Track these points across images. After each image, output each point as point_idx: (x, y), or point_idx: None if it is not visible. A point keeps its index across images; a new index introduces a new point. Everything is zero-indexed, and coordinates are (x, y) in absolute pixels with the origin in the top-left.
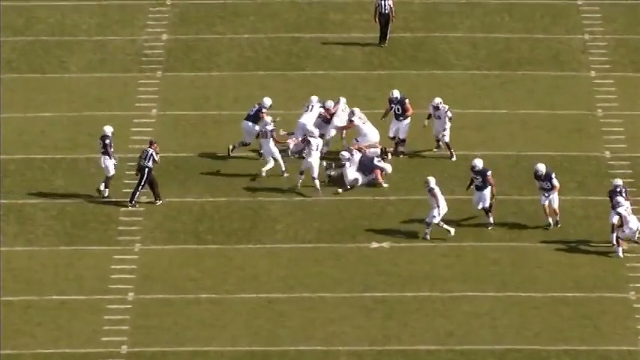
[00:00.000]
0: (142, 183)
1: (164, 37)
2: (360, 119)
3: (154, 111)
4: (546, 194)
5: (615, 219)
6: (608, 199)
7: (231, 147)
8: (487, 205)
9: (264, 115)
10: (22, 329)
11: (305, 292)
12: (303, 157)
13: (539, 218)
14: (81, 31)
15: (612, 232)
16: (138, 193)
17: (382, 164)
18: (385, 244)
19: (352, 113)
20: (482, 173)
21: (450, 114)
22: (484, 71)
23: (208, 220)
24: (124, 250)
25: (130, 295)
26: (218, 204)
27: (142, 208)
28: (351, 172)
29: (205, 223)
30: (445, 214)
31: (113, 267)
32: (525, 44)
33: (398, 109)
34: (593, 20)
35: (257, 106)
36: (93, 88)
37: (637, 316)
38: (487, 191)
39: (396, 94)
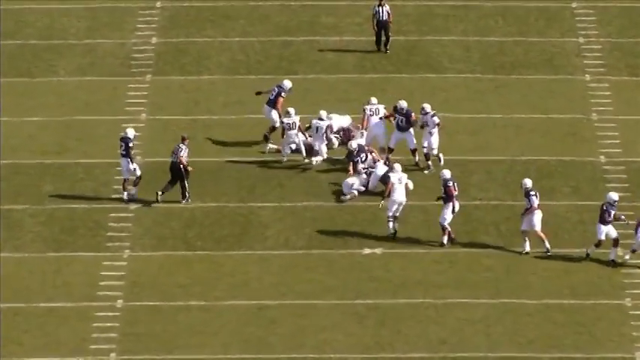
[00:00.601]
0: (186, 178)
1: (154, 40)
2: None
3: (144, 115)
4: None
5: (603, 236)
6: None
7: (266, 135)
8: (445, 222)
9: (281, 100)
10: (9, 337)
11: (296, 298)
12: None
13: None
14: (70, 35)
15: (598, 247)
16: (187, 188)
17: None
18: (377, 251)
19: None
20: (444, 183)
21: (437, 120)
22: (478, 75)
23: (198, 226)
24: (113, 257)
25: (119, 302)
26: (208, 209)
27: (130, 214)
28: (374, 180)
29: (195, 229)
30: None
31: (102, 273)
32: (519, 48)
33: (402, 120)
34: (587, 23)
35: (276, 90)
36: (82, 92)
37: (633, 323)
38: (448, 207)
39: (403, 104)
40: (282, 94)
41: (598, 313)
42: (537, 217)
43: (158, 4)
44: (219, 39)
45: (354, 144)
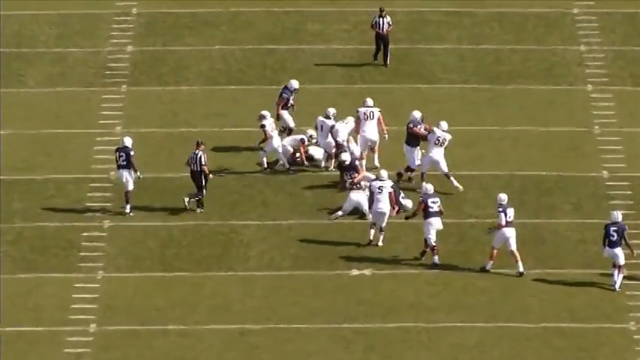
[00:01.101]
0: (204, 186)
1: (129, 48)
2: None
3: (118, 128)
4: (507, 232)
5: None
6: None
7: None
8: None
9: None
10: None
11: (280, 322)
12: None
13: (530, 243)
14: (40, 43)
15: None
16: (203, 197)
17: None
18: (366, 272)
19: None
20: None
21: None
22: (473, 85)
23: (176, 245)
24: (86, 278)
25: (92, 327)
26: (186, 228)
27: (104, 233)
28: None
29: (173, 248)
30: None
31: (74, 296)
32: (517, 56)
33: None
34: (589, 30)
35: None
36: (52, 103)
37: (637, 348)
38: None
39: (417, 115)
40: (284, 94)
41: (600, 338)
42: (509, 234)
43: (134, 11)
44: (198, 47)
45: (344, 156)
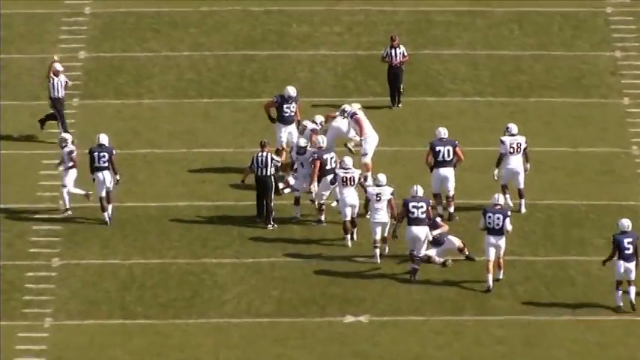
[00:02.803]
0: (272, 195)
1: (82, 55)
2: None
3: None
4: (494, 240)
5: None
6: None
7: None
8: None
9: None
10: None
11: None
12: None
13: (557, 284)
14: None
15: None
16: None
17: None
18: (363, 318)
19: (343, 110)
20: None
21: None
22: (488, 98)
23: (138, 287)
24: (31, 327)
25: None
26: (150, 267)
27: (53, 273)
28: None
29: (134, 291)
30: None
31: (17, 347)
32: (540, 64)
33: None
34: (625, 33)
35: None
36: None
37: None
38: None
39: (443, 133)
40: (275, 99)
41: None
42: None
43: (87, 10)
44: (163, 53)
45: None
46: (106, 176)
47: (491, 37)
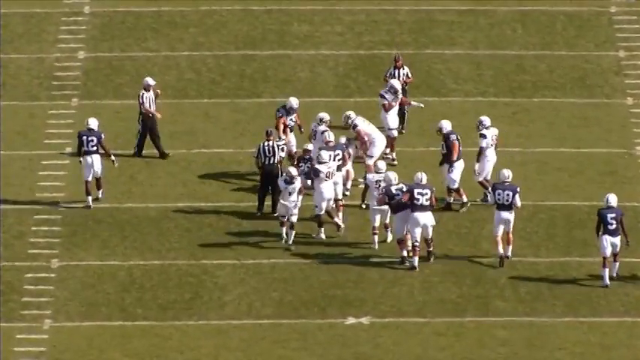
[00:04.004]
0: (277, 185)
1: (81, 54)
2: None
3: (69, 149)
4: (504, 215)
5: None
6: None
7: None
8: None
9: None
10: None
11: None
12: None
13: (560, 285)
14: None
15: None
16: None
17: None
18: (364, 320)
19: (348, 117)
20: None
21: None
22: (491, 98)
23: (138, 289)
24: (30, 328)
25: None
26: (150, 269)
27: (53, 274)
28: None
29: (133, 292)
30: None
31: (16, 349)
32: (543, 64)
33: (443, 146)
34: (629, 33)
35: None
36: None
37: None
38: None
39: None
40: (278, 113)
41: None
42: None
43: (86, 10)
44: (163, 53)
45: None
46: (95, 160)
47: (494, 36)
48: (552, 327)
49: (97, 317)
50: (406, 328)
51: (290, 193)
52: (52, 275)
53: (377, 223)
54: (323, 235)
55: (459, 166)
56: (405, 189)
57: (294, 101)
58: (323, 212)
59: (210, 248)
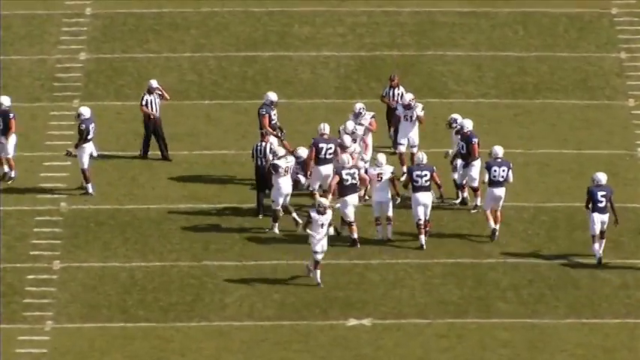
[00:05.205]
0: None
1: (82, 56)
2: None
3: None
4: (498, 192)
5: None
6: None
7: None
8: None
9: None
10: None
11: None
12: None
13: (561, 287)
14: None
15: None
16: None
17: None
18: (366, 322)
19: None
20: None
21: (421, 113)
22: (492, 100)
23: (139, 290)
24: (32, 330)
25: None
26: (151, 270)
27: (54, 276)
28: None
29: (135, 294)
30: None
31: (17, 351)
32: (545, 65)
33: (463, 146)
34: (631, 34)
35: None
36: None
37: None
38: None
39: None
40: (262, 111)
41: None
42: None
43: (88, 11)
44: (164, 54)
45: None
46: (90, 150)
47: (496, 38)
48: (554, 329)
49: (98, 319)
50: (408, 330)
51: (322, 225)
52: (54, 277)
53: (378, 214)
54: (277, 230)
55: (477, 164)
56: (358, 172)
57: (272, 96)
58: (279, 207)
59: (212, 250)
